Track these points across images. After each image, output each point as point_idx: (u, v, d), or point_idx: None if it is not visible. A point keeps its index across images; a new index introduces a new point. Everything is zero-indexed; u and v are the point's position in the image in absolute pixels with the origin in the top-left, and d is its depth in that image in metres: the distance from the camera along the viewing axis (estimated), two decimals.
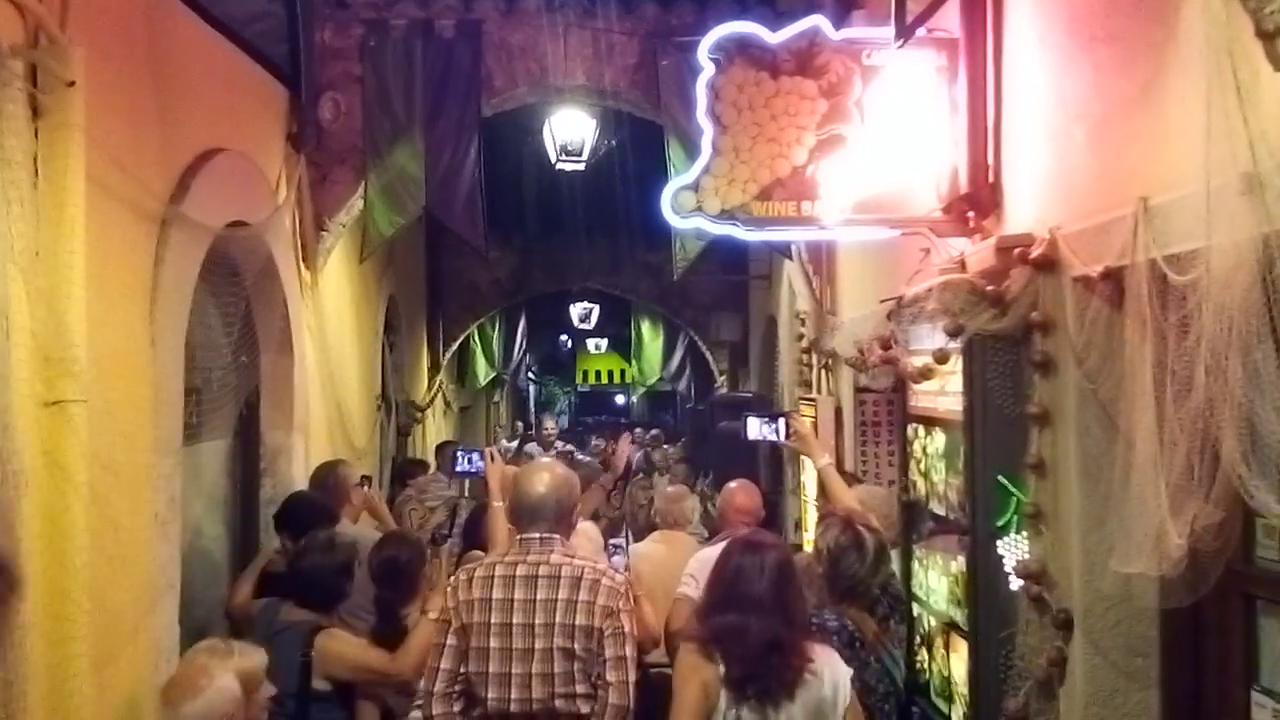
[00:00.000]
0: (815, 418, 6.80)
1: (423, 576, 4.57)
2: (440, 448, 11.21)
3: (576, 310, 20.57)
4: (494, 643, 3.55)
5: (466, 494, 7.27)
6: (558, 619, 3.53)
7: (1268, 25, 2.01)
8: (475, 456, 5.70)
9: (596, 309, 20.32)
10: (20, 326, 3.16)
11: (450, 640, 3.59)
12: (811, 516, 7.17)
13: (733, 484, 5.60)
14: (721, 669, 3.31)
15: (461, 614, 3.60)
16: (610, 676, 3.50)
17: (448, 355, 14.11)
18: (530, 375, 26.46)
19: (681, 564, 5.21)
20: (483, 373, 16.56)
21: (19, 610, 3.13)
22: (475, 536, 5.00)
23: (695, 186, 4.35)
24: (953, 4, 4.14)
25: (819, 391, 7.51)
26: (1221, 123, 2.19)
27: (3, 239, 3.11)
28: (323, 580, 4.36)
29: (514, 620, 3.55)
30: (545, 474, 3.82)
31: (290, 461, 6.42)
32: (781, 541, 4.07)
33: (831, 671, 3.40)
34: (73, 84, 3.32)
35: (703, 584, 4.83)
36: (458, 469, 6.06)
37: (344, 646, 4.24)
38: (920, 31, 4.13)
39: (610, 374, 30.74)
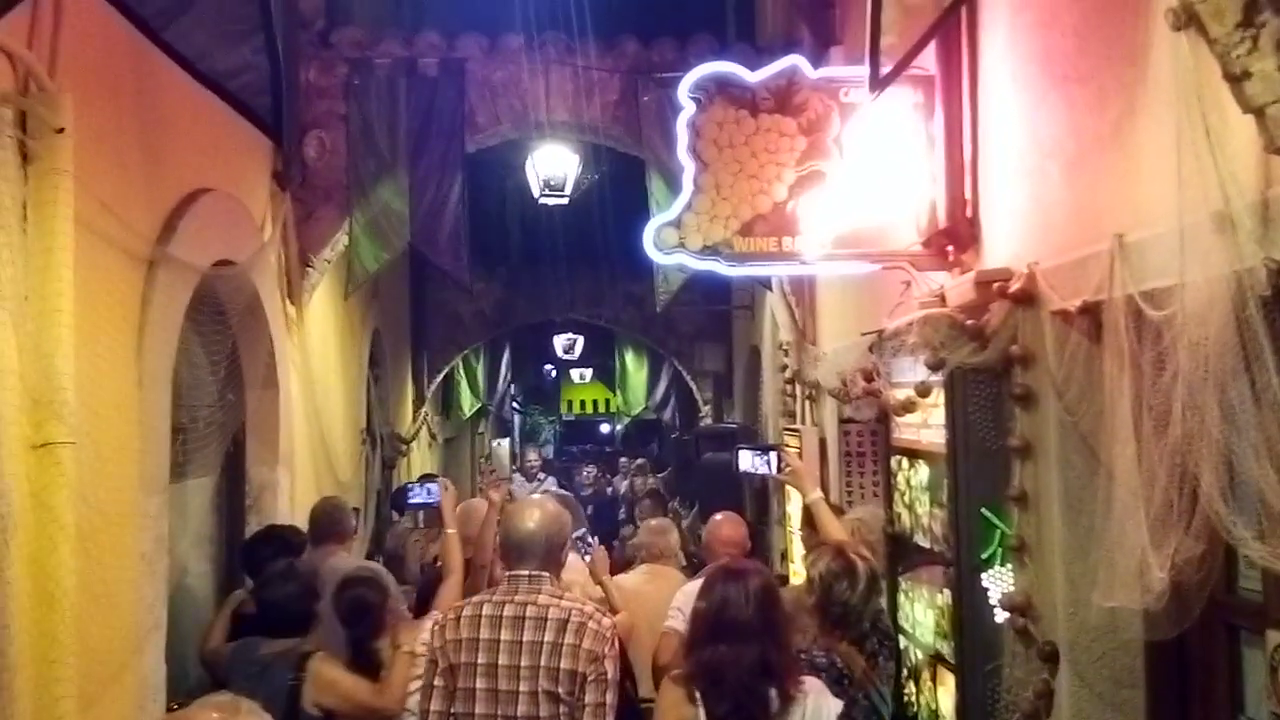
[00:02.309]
0: (800, 448, 6.83)
1: (388, 611, 4.58)
2: (422, 480, 11.20)
3: (560, 341, 20.58)
4: (480, 684, 3.52)
5: (422, 524, 7.28)
6: (543, 662, 3.49)
7: (1234, 69, 2.06)
8: (433, 487, 5.72)
9: (581, 339, 20.34)
10: (9, 370, 3.16)
11: (438, 681, 3.57)
12: (797, 548, 7.19)
13: (718, 516, 5.61)
14: (701, 712, 3.28)
15: (449, 654, 3.57)
16: None
17: (432, 387, 14.11)
18: (515, 405, 26.42)
19: (668, 598, 5.22)
20: (467, 404, 16.55)
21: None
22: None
23: (677, 223, 4.40)
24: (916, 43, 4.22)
25: (803, 422, 7.54)
26: (1192, 163, 2.23)
27: None
28: (288, 608, 4.40)
29: (500, 661, 3.52)
30: (536, 510, 3.80)
31: (275, 497, 6.41)
32: (763, 567, 4.07)
33: (816, 704, 3.39)
34: (62, 130, 3.34)
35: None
36: (411, 501, 6.09)
37: (336, 674, 4.27)
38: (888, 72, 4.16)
39: (595, 403, 30.68)
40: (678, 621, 4.93)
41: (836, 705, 3.46)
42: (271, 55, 4.78)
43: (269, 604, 4.45)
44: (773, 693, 3.29)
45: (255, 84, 4.86)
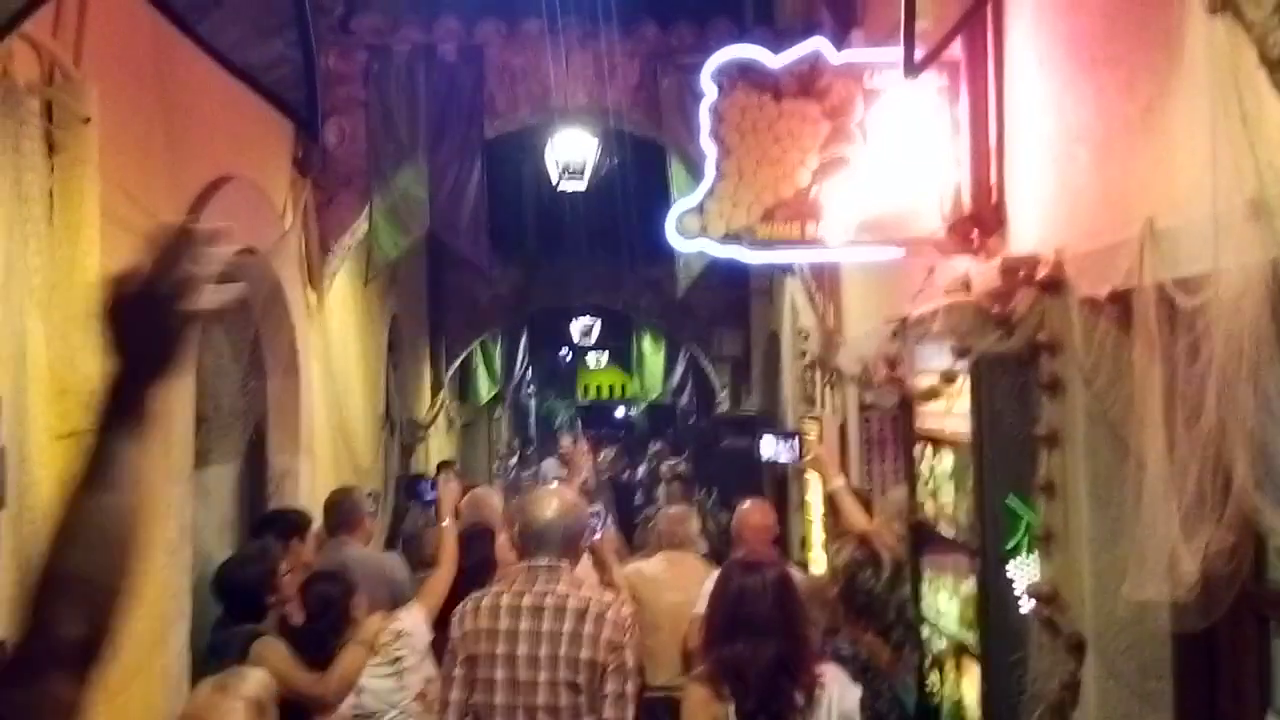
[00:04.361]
0: (820, 434, 6.82)
1: (352, 609, 4.59)
2: (440, 467, 11.24)
3: (578, 326, 20.56)
4: (500, 673, 3.52)
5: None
6: (562, 651, 3.49)
7: (1272, 53, 2.02)
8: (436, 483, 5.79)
9: (598, 324, 20.31)
10: (37, 361, 3.18)
11: (458, 671, 3.57)
12: (816, 534, 7.18)
13: (746, 503, 5.60)
14: (731, 706, 3.28)
15: (469, 644, 3.57)
16: (609, 713, 3.46)
17: (450, 373, 14.12)
18: (531, 390, 26.45)
19: (686, 585, 5.21)
20: (485, 389, 16.56)
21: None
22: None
23: (700, 209, 4.37)
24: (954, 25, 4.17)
25: (823, 408, 7.52)
26: (1227, 149, 2.20)
27: (20, 275, 3.13)
28: (244, 593, 4.44)
29: (519, 651, 3.51)
30: (554, 500, 3.80)
31: (297, 483, 6.45)
32: (780, 560, 4.06)
33: (840, 692, 3.39)
34: (88, 120, 3.35)
35: None
36: (426, 499, 6.13)
37: (275, 657, 4.25)
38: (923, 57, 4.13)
39: (611, 388, 30.67)
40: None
41: (856, 691, 3.46)
42: (305, 50, 4.76)
43: (225, 590, 4.49)
44: (796, 689, 3.28)
45: (289, 78, 4.85)
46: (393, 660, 4.42)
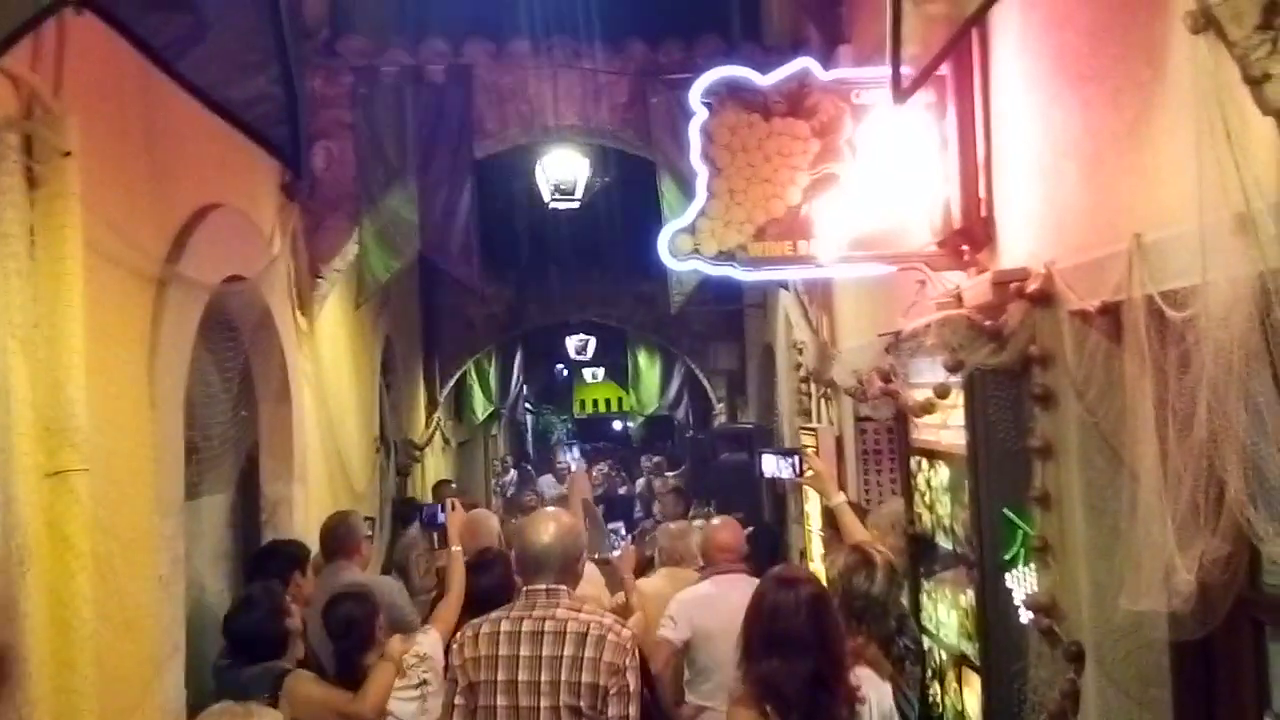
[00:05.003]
0: (817, 447, 6.81)
1: (378, 627, 4.59)
2: (437, 486, 11.22)
3: (573, 342, 20.58)
4: (501, 700, 3.49)
5: (437, 545, 7.26)
6: (564, 676, 3.46)
7: (1255, 71, 2.03)
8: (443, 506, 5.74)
9: (593, 340, 20.33)
10: (21, 399, 3.14)
11: (459, 700, 3.54)
12: (816, 546, 7.16)
13: (715, 521, 5.60)
14: None
15: (469, 671, 3.55)
16: None
17: (445, 392, 14.11)
18: (527, 406, 26.45)
19: None
20: (480, 408, 16.56)
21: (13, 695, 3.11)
22: None
23: (692, 229, 4.38)
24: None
25: (819, 421, 7.51)
26: (1212, 164, 2.20)
27: (2, 311, 3.10)
28: (256, 635, 4.39)
29: (520, 677, 3.49)
30: (551, 523, 3.76)
31: (291, 511, 6.41)
32: (814, 575, 4.02)
33: (877, 695, 3.37)
34: (68, 154, 3.33)
35: (681, 626, 4.87)
36: (439, 520, 6.09)
37: (310, 687, 4.29)
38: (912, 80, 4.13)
39: (608, 402, 30.71)
40: (669, 630, 4.93)
41: (887, 687, 3.45)
42: (287, 87, 4.74)
43: (236, 635, 4.43)
44: (837, 704, 3.25)
45: (273, 114, 4.83)
46: (417, 684, 4.39)
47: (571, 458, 13.47)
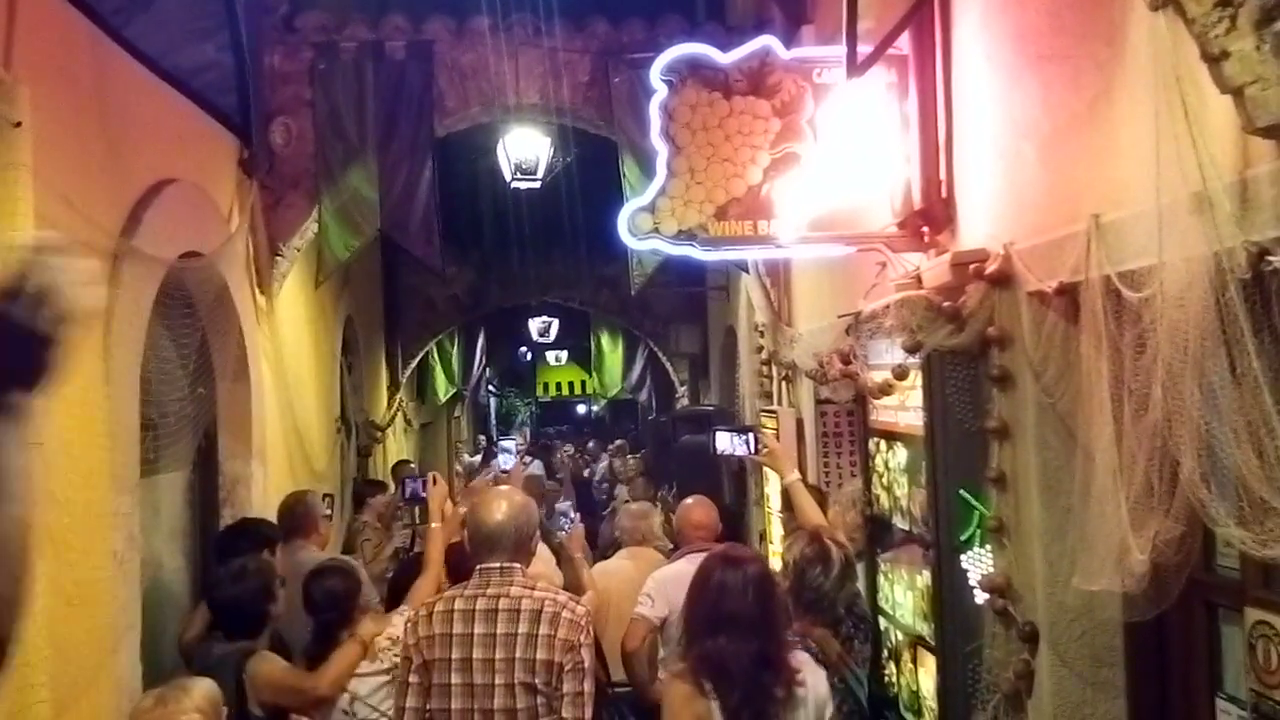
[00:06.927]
0: (777, 429, 6.82)
1: (359, 603, 4.56)
2: (396, 466, 11.16)
3: (536, 324, 20.54)
4: (455, 679, 3.49)
5: (418, 520, 7.21)
6: (518, 654, 3.47)
7: (1213, 49, 2.04)
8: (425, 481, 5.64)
9: (556, 322, 20.30)
10: None
11: (413, 678, 3.53)
12: (775, 529, 7.19)
13: (689, 500, 5.58)
14: (715, 702, 3.24)
15: (423, 650, 3.54)
16: (568, 714, 3.44)
17: (407, 373, 14.03)
18: (490, 389, 26.38)
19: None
20: (443, 389, 16.48)
21: None
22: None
23: (651, 208, 4.35)
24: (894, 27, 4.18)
25: (779, 403, 7.53)
26: (1170, 144, 2.22)
27: None
28: (241, 608, 4.37)
29: (474, 655, 3.49)
30: (503, 502, 3.75)
31: (250, 490, 6.35)
32: (760, 555, 4.03)
33: (815, 681, 3.38)
34: (19, 125, 3.26)
35: (658, 603, 4.87)
36: (421, 495, 6.00)
37: (269, 667, 4.24)
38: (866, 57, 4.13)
39: (571, 385, 30.71)
40: (646, 608, 4.92)
41: (823, 673, 3.47)
42: (237, 53, 4.66)
43: (220, 606, 4.42)
44: (777, 684, 3.26)
45: (219, 81, 4.74)
46: (388, 669, 4.34)
47: (505, 451, 12.82)
